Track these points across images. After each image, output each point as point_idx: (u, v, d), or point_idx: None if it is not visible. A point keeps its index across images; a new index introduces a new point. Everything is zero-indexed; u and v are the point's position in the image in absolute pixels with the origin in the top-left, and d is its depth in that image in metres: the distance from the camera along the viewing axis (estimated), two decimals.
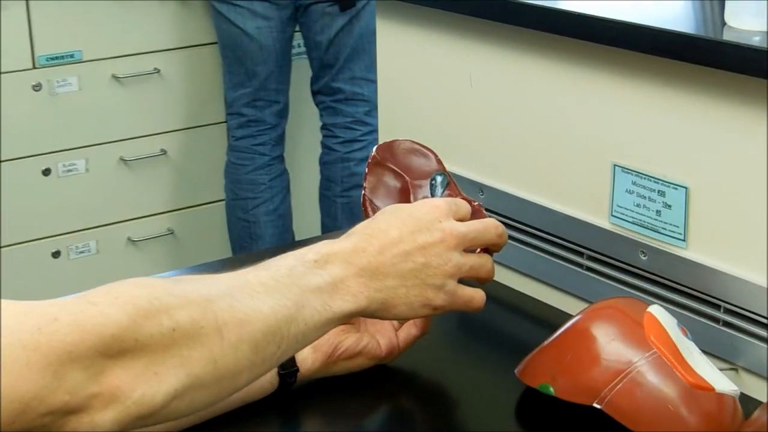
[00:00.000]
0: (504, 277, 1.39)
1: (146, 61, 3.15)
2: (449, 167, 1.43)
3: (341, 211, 3.10)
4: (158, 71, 3.16)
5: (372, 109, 2.97)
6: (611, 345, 1.07)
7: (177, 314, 0.82)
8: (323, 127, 3.09)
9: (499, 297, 1.37)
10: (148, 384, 0.80)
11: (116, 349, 0.79)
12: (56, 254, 3.15)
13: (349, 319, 0.99)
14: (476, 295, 1.06)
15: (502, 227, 1.07)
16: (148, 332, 0.80)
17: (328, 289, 0.95)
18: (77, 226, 3.17)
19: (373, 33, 2.92)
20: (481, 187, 1.40)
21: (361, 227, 1.02)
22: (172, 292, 0.84)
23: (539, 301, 1.36)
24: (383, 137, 1.52)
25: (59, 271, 3.16)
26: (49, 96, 3.03)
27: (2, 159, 2.99)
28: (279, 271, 0.93)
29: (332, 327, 0.97)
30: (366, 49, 2.94)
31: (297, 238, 3.23)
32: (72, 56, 3.04)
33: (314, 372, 1.14)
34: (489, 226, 1.06)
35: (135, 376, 0.80)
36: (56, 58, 3.01)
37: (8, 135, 2.97)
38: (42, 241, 3.13)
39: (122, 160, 3.18)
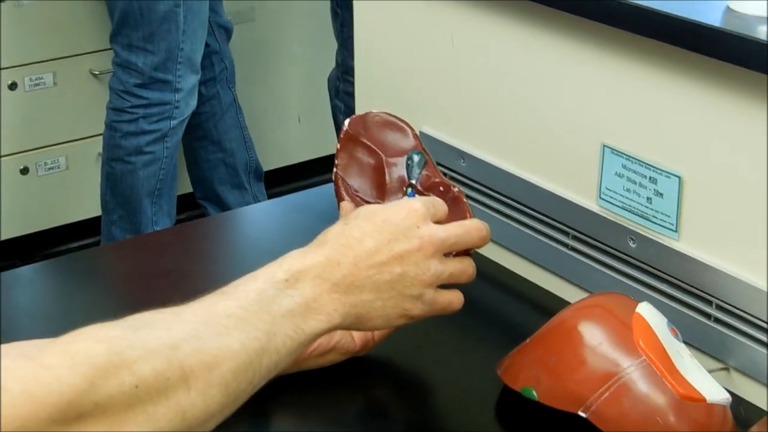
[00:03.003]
0: (486, 249, 1.33)
1: None
2: (430, 131, 1.37)
3: (105, 181, 2.89)
4: None
5: (146, 83, 2.80)
6: (598, 349, 1.01)
7: (139, 369, 0.76)
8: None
9: (481, 270, 1.31)
10: None
11: (73, 416, 0.72)
12: (24, 171, 3.07)
13: (321, 337, 0.94)
14: (455, 299, 1.02)
15: (485, 229, 1.01)
16: (108, 393, 0.74)
17: (300, 311, 0.90)
18: (46, 142, 3.09)
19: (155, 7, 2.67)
20: (462, 155, 1.33)
21: (333, 236, 0.96)
22: (132, 344, 0.77)
23: (523, 278, 1.30)
24: (361, 102, 1.44)
25: (28, 187, 3.08)
26: (15, 8, 2.92)
27: None
28: (248, 297, 0.88)
29: (304, 348, 0.92)
30: (145, 18, 2.75)
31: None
32: None
33: (284, 369, 1.08)
34: (471, 230, 1.00)
35: None
36: None
37: None
38: (10, 157, 3.05)
39: (92, 73, 3.09)
